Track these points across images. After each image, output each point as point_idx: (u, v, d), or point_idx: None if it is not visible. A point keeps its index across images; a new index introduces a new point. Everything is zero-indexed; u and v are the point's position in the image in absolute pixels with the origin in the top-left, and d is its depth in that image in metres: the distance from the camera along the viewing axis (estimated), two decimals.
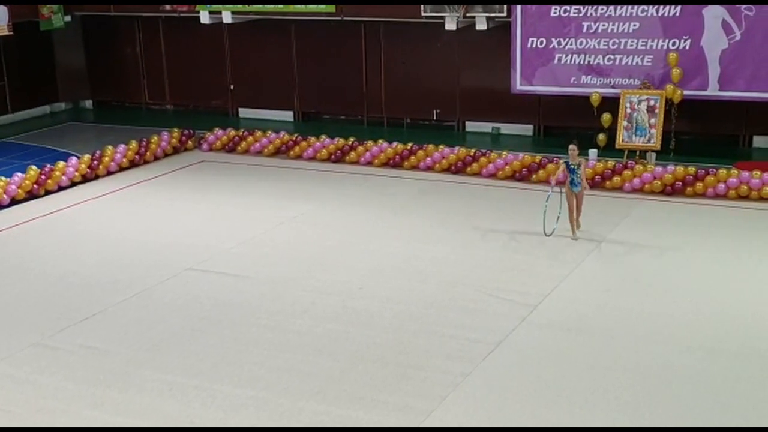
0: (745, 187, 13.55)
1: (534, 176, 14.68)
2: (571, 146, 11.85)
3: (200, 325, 9.73)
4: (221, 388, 8.34)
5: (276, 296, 10.42)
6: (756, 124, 16.23)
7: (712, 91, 15.18)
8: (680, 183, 13.83)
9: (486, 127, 18.18)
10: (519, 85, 16.52)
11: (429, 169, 15.53)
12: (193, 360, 8.92)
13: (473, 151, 15.36)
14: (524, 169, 14.78)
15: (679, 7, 15.10)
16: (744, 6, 14.69)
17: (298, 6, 17.80)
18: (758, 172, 13.58)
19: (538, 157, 14.95)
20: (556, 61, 16.09)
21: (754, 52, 14.79)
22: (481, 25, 16.48)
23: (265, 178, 15.51)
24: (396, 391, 8.20)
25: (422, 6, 16.63)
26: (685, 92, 15.04)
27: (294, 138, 16.86)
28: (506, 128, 18.00)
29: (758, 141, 16.46)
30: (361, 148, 16.15)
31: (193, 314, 9.99)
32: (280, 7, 17.92)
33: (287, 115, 19.92)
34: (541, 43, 16.11)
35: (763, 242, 11.81)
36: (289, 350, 9.07)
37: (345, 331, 9.43)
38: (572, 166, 11.74)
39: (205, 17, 18.67)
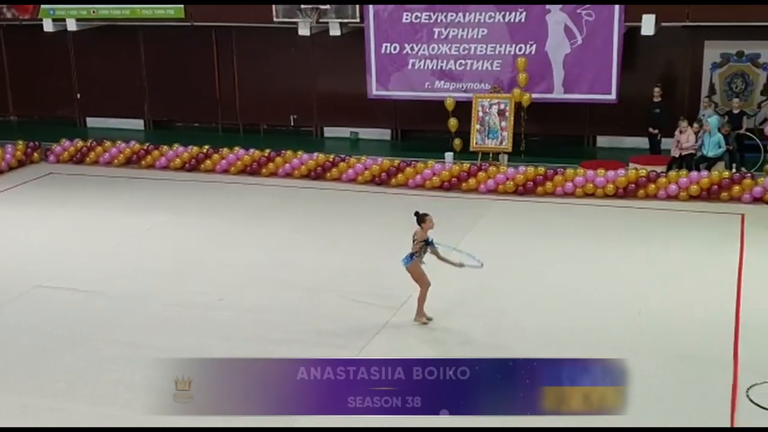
0: (591, 185, 14.14)
1: (393, 180, 14.84)
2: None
3: (53, 343, 9.31)
4: (77, 408, 8.01)
5: (131, 311, 10.09)
6: (599, 124, 16.99)
7: (558, 94, 15.79)
8: (531, 183, 14.30)
9: (344, 132, 18.27)
10: (375, 90, 16.68)
11: (288, 175, 15.45)
12: (47, 380, 8.53)
13: (332, 156, 15.39)
14: (383, 174, 14.92)
15: (524, 13, 15.61)
16: (585, 11, 15.33)
17: (145, 11, 17.33)
18: (602, 171, 14.20)
19: (396, 161, 15.12)
20: (410, 66, 16.34)
21: (595, 56, 15.44)
22: (335, 31, 16.49)
23: (116, 189, 15.03)
24: None
25: (274, 11, 16.50)
26: (533, 95, 15.55)
27: (145, 147, 16.42)
28: (364, 133, 18.15)
29: (602, 141, 17.24)
30: (216, 156, 15.90)
31: (44, 333, 9.55)
32: (126, 13, 17.41)
33: (137, 124, 19.40)
34: (395, 48, 16.31)
35: (609, 236, 12.37)
36: (147, 366, 8.78)
37: (205, 344, 9.22)
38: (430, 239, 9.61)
39: (48, 25, 17.89)
